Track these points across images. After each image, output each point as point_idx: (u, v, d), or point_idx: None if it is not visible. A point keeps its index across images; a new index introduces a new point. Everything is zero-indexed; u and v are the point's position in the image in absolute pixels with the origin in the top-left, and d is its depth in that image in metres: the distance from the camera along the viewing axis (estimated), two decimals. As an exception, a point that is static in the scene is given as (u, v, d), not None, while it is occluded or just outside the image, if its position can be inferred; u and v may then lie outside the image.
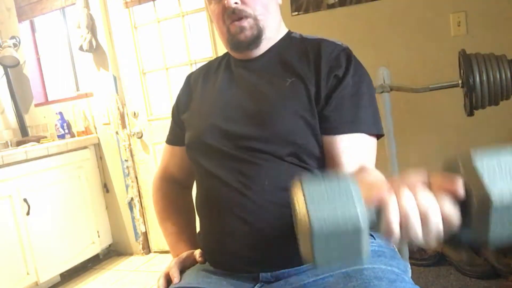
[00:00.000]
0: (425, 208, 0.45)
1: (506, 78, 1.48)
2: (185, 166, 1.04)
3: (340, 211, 0.42)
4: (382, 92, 1.69)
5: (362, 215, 0.42)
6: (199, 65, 1.78)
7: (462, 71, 1.60)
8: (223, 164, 0.87)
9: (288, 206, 0.82)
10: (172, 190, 1.11)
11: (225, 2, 0.88)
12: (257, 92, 0.90)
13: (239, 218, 0.83)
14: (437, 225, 0.45)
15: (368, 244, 0.44)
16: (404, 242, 0.46)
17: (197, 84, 1.03)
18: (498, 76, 1.48)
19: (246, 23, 0.89)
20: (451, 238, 0.46)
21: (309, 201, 0.43)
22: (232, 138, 0.87)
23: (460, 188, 0.44)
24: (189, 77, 1.08)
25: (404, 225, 0.45)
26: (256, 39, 0.91)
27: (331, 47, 0.89)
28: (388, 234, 0.46)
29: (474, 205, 0.43)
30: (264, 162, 0.83)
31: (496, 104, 1.55)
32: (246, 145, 0.85)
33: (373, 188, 0.48)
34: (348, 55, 0.88)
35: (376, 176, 0.76)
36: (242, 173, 0.84)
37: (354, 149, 0.83)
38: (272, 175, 0.83)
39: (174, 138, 1.08)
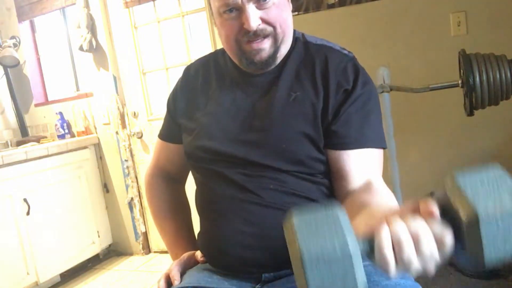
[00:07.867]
0: (415, 230, 0.46)
1: (506, 78, 1.48)
2: (179, 161, 1.01)
3: (329, 239, 0.44)
4: (382, 92, 1.69)
5: (352, 241, 0.44)
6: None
7: (462, 71, 1.60)
8: (226, 166, 0.86)
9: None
10: (166, 187, 1.08)
11: (246, 25, 0.79)
12: (260, 108, 0.87)
13: (242, 219, 0.82)
14: (430, 246, 0.46)
15: (362, 272, 0.45)
16: (402, 271, 0.47)
17: (197, 81, 0.96)
18: (498, 76, 1.49)
19: (266, 44, 0.82)
20: (449, 263, 0.47)
21: (298, 231, 0.45)
22: (235, 158, 0.85)
23: (435, 209, 0.47)
24: (187, 74, 1.00)
25: (397, 249, 0.46)
26: (271, 59, 0.84)
27: (338, 58, 0.87)
28: (383, 261, 0.47)
29: (463, 224, 0.44)
30: (270, 172, 0.83)
31: (496, 104, 1.55)
32: (250, 160, 0.84)
33: (369, 222, 0.52)
34: (355, 66, 0.87)
35: (379, 198, 0.74)
36: (246, 175, 0.84)
37: (361, 164, 0.82)
38: (277, 180, 0.83)
39: (168, 133, 1.03)
